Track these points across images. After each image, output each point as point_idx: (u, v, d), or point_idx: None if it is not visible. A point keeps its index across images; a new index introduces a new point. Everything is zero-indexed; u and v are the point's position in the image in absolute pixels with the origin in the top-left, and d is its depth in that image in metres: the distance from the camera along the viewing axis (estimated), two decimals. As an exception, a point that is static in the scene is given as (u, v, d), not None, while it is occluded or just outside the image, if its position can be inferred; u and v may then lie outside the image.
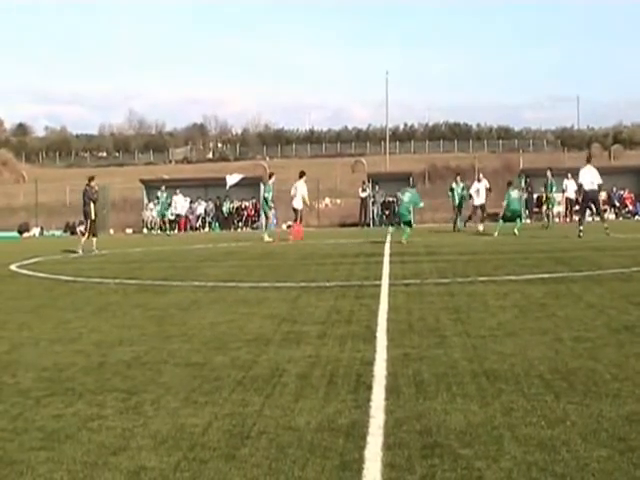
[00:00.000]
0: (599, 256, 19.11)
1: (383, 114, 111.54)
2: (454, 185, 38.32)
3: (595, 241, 25.15)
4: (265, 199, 34.17)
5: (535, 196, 49.92)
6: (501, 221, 33.09)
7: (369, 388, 6.63)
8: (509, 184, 33.47)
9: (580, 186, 29.07)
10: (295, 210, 33.09)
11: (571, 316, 10.10)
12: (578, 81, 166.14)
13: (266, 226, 35.36)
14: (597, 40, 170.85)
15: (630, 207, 53.11)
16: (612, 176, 44.26)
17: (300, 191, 32.93)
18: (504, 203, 32.64)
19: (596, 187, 28.40)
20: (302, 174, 33.44)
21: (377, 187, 53.75)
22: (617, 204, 52.78)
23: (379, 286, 13.94)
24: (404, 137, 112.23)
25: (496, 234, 30.75)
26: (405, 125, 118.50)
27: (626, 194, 53.24)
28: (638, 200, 52.99)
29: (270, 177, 34.52)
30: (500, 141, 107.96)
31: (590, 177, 28.19)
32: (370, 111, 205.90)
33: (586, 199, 29.00)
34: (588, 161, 29.21)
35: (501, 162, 69.64)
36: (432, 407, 6.00)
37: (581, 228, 28.05)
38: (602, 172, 29.18)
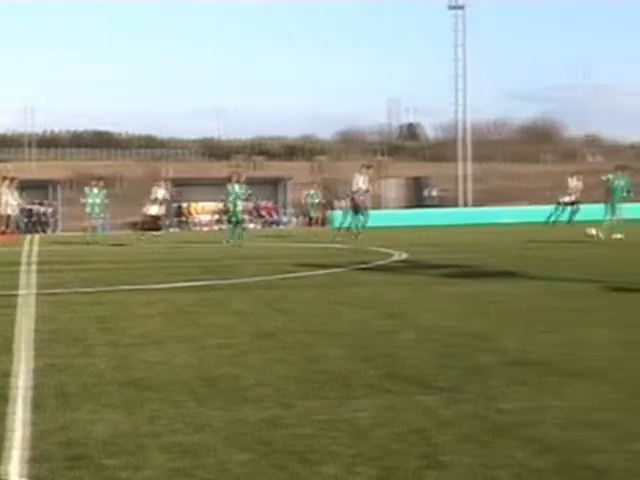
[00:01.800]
0: (244, 264, 19.66)
1: (28, 120, 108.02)
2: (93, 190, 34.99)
3: (242, 250, 25.82)
4: None
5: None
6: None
7: (12, 401, 6.40)
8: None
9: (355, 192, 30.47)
10: None
11: (217, 323, 10.30)
12: (221, 93, 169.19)
13: None
14: (230, 55, 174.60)
15: (272, 216, 55.15)
16: (255, 187, 45.56)
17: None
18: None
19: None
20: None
21: (22, 193, 52.11)
22: (262, 214, 54.64)
23: (24, 295, 13.50)
24: (50, 143, 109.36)
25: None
26: (52, 132, 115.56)
27: (267, 204, 55.27)
28: (277, 210, 55.19)
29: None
30: (146, 150, 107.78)
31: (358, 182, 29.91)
32: (14, 116, 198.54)
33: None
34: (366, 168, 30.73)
35: (145, 170, 69.78)
36: (78, 418, 5.89)
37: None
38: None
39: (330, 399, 6.39)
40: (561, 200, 33.38)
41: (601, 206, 27.82)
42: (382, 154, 75.05)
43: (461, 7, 52.47)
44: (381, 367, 7.55)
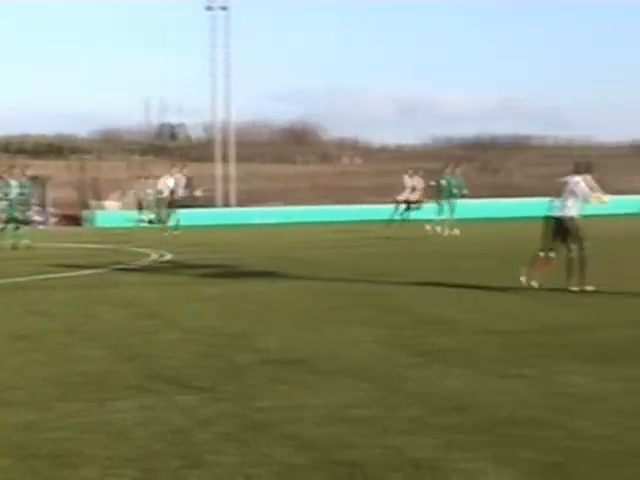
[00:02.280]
0: (2, 265, 18.96)
1: None
2: None
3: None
4: None
5: None
6: None
7: None
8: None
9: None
10: None
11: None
12: None
13: None
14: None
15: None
16: None
17: None
18: None
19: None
20: None
21: None
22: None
23: None
24: None
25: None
26: None
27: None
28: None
29: None
30: None
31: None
32: None
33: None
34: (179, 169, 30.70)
35: None
36: None
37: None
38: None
39: (89, 401, 6.28)
40: (399, 198, 31.82)
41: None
42: (143, 154, 74.24)
43: (224, 8, 52.59)
44: (142, 368, 7.50)
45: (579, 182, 12.89)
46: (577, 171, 13.15)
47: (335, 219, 39.95)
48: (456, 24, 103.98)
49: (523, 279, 12.67)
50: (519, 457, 4.91)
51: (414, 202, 30.60)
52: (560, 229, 12.79)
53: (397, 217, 30.64)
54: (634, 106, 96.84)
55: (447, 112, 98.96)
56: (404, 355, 8.08)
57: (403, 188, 30.94)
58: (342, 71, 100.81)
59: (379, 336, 9.06)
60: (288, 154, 72.54)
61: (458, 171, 29.74)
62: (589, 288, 12.37)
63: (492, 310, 10.99)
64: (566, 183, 12.90)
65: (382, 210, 32.37)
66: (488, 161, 67.34)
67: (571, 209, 12.79)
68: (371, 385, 6.81)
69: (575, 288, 12.46)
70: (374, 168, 62.05)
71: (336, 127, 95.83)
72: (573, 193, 12.78)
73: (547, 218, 13.00)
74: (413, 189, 30.81)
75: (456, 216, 28.45)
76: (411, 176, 31.35)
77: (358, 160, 73.57)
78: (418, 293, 12.85)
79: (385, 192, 49.49)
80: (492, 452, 5.00)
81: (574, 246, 12.74)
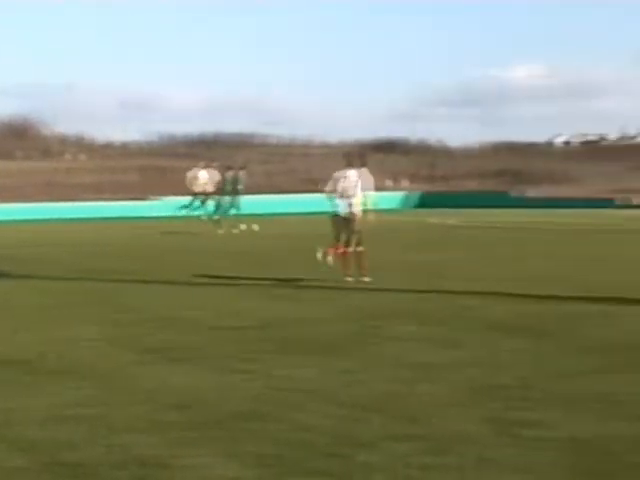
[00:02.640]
0: None
1: None
2: None
3: None
4: None
5: None
6: None
7: None
8: None
9: None
10: None
11: None
12: None
13: None
14: None
15: None
16: None
17: None
18: None
19: None
20: None
21: None
22: None
23: None
24: None
25: None
26: None
27: None
28: None
29: None
30: None
31: None
32: None
33: None
34: None
35: None
36: None
37: None
38: None
39: None
40: (197, 190, 30.02)
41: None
42: None
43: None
44: None
45: (358, 180, 13.33)
46: (350, 164, 13.56)
47: (56, 217, 38.86)
48: (192, 21, 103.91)
49: (327, 258, 13.17)
50: (245, 450, 5.00)
51: (209, 195, 29.38)
52: (344, 224, 13.27)
53: (202, 211, 29.55)
54: (357, 106, 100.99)
55: (174, 109, 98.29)
56: (129, 353, 8.02)
57: (194, 181, 29.58)
58: (67, 67, 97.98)
59: (103, 334, 8.96)
60: (7, 149, 69.95)
61: (242, 173, 29.64)
62: (366, 279, 12.87)
63: (218, 307, 11.07)
64: (346, 178, 13.22)
65: (104, 207, 31.96)
66: (213, 159, 67.88)
67: (354, 206, 13.23)
68: (95, 384, 6.72)
69: (350, 279, 12.92)
70: (98, 165, 60.99)
71: (60, 123, 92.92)
72: (355, 189, 13.21)
73: (334, 215, 13.41)
74: (206, 182, 29.59)
75: (242, 212, 28.41)
76: (205, 168, 30.26)
77: (82, 156, 71.97)
78: (144, 291, 12.78)
79: (109, 189, 48.86)
80: (219, 447, 5.06)
81: (353, 241, 13.19)
